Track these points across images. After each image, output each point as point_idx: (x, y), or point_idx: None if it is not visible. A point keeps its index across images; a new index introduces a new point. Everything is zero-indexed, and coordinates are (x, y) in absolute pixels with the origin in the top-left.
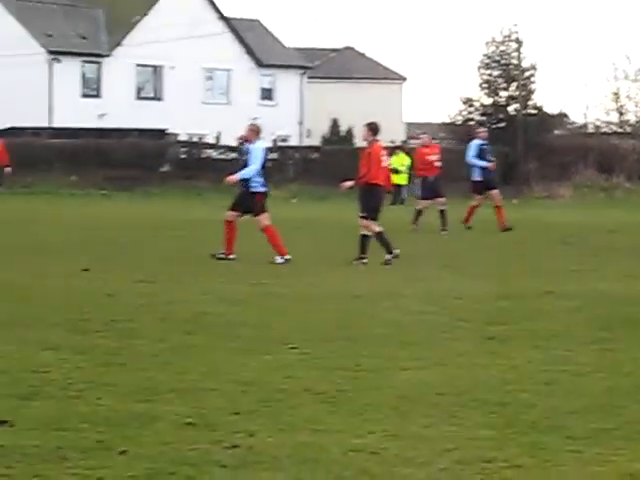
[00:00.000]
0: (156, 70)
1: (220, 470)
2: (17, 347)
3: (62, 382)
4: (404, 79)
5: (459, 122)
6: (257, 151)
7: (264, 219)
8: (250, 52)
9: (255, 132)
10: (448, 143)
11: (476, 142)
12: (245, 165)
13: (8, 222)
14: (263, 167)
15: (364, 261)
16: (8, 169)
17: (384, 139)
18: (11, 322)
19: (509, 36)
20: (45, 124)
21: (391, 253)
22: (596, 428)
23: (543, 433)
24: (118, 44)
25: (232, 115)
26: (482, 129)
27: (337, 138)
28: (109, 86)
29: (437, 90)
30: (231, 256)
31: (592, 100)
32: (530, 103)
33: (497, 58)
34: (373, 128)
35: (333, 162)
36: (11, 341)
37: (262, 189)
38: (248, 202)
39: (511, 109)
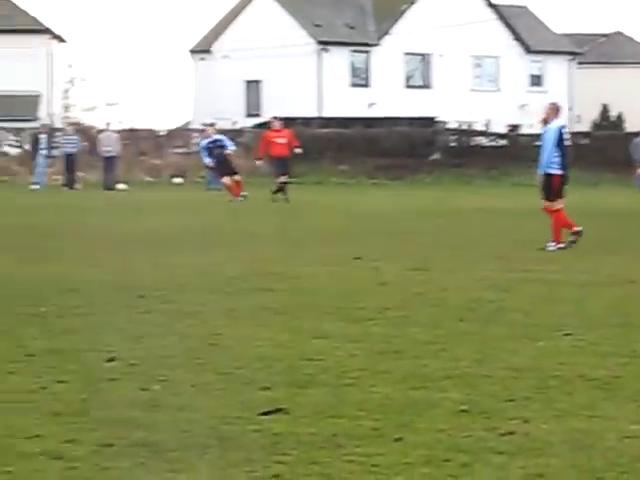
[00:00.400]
0: (424, 58)
1: (496, 457)
2: (291, 336)
3: (336, 370)
4: None
5: None
6: (550, 132)
7: (558, 203)
8: (519, 39)
9: (554, 111)
10: None
11: None
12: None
13: (281, 212)
14: (560, 147)
15: None
16: (299, 150)
17: None
18: (284, 311)
19: None
20: (315, 114)
21: None
22: None
23: None
24: (386, 33)
25: (501, 102)
26: None
27: (607, 124)
28: (377, 75)
29: None
30: (562, 244)
31: None
32: None
33: None
34: None
35: (603, 148)
36: (285, 330)
37: (559, 171)
38: (546, 185)
39: None
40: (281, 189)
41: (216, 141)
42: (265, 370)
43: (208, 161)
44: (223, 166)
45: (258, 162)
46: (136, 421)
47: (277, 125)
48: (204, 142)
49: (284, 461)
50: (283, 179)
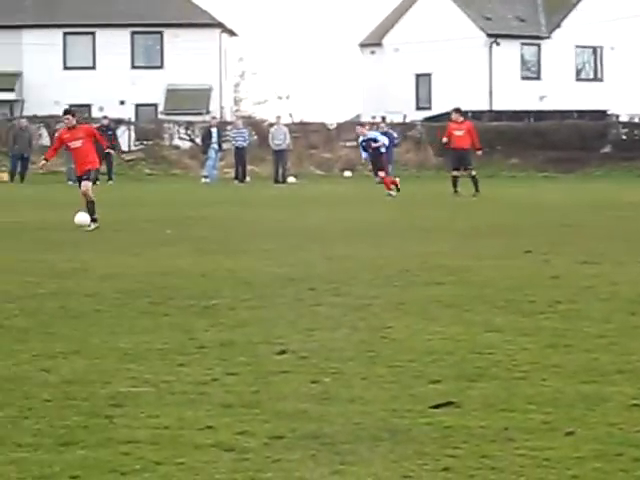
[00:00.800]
0: (595, 51)
1: None
2: (462, 329)
3: (507, 363)
4: None
5: None
6: None
7: None
8: None
9: None
10: None
11: None
12: None
13: (452, 205)
14: None
15: None
16: (479, 152)
17: None
18: (455, 304)
19: None
20: (485, 107)
21: None
22: None
23: None
24: (557, 26)
25: None
26: None
27: None
28: (548, 68)
29: None
30: None
31: None
32: None
33: None
34: None
35: None
36: (456, 323)
37: None
38: None
39: None
40: (455, 183)
41: (369, 139)
42: (436, 363)
43: (365, 156)
44: (375, 161)
45: (444, 140)
46: (307, 413)
47: (457, 117)
48: (360, 139)
49: (455, 454)
50: (456, 173)
